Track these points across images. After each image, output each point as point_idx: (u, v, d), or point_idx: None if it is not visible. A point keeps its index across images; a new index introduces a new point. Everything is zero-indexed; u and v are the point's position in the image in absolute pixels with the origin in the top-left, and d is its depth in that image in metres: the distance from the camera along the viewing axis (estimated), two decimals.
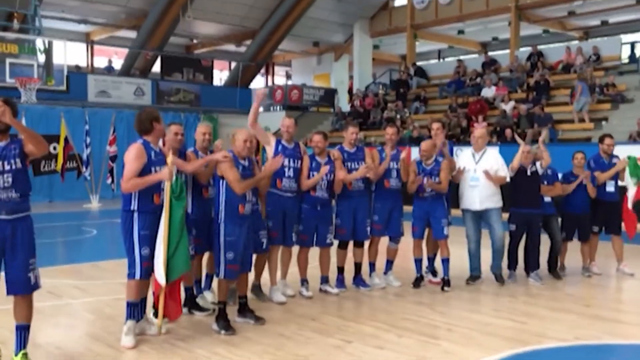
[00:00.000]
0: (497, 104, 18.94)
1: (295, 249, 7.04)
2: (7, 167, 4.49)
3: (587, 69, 18.43)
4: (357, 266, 7.47)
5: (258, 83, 30.01)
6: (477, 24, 24.43)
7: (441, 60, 30.19)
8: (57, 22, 23.30)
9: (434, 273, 7.92)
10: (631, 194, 8.37)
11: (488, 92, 19.79)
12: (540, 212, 7.83)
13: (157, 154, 5.37)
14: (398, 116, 20.84)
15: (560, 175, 8.25)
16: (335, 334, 5.65)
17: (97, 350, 5.18)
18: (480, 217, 7.70)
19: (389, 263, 7.70)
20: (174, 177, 5.26)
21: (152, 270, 5.29)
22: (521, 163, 7.68)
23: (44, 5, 20.01)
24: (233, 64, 28.14)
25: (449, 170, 7.50)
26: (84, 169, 17.57)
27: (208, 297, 6.52)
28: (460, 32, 25.78)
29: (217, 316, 5.73)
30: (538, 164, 7.92)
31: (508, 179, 7.72)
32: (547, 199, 8.02)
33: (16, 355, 4.65)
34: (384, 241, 7.60)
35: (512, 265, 7.93)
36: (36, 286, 4.67)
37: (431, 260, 7.98)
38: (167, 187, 5.22)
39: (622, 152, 8.73)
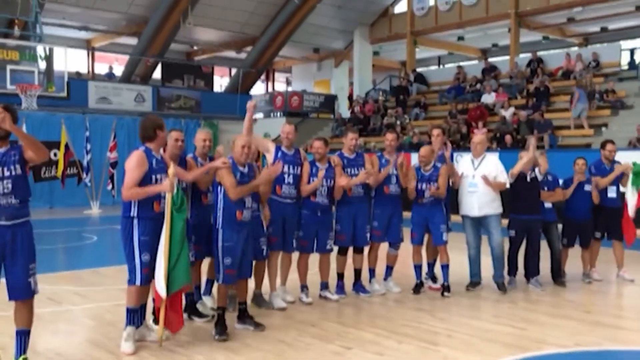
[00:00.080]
0: (497, 110, 18.97)
1: (295, 255, 7.04)
2: (6, 174, 4.51)
3: (587, 75, 18.47)
4: (357, 272, 7.47)
5: (258, 89, 30.06)
6: (476, 30, 24.50)
7: (441, 66, 30.24)
8: (58, 29, 23.37)
9: (434, 279, 7.92)
10: (631, 202, 8.35)
11: (488, 98, 19.82)
12: (540, 219, 7.83)
13: (159, 162, 5.38)
14: (398, 122, 20.87)
15: (561, 182, 8.24)
16: (335, 340, 5.65)
17: (97, 357, 5.18)
18: (480, 223, 7.69)
19: (389, 269, 7.70)
20: (175, 189, 5.27)
21: (152, 277, 5.29)
22: (521, 169, 7.69)
23: (45, 12, 20.08)
24: (233, 71, 28.22)
25: (447, 176, 7.51)
26: (84, 175, 17.60)
27: (208, 303, 6.51)
28: (460, 38, 25.84)
29: (215, 321, 5.74)
30: (537, 170, 7.93)
31: (508, 185, 7.72)
32: (548, 205, 8.01)
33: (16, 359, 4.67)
34: (384, 247, 7.61)
35: (512, 271, 7.92)
36: (35, 291, 4.69)
37: (431, 266, 7.98)
38: (168, 198, 5.23)
39: (622, 158, 8.74)
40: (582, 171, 8.28)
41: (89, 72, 26.44)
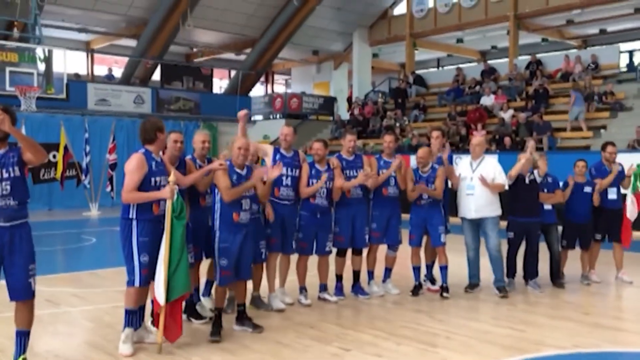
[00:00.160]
0: (496, 112, 18.98)
1: (294, 257, 7.04)
2: (5, 175, 4.52)
3: (586, 77, 18.49)
4: (356, 274, 7.47)
5: (258, 91, 30.07)
6: (476, 32, 24.50)
7: (440, 68, 30.25)
8: (57, 31, 23.38)
9: (432, 281, 7.92)
10: (630, 206, 8.34)
11: (487, 100, 19.83)
12: (538, 221, 7.83)
13: (158, 164, 5.39)
14: (397, 124, 20.87)
15: (561, 184, 8.24)
16: (333, 342, 5.65)
17: (95, 358, 5.18)
18: (478, 226, 7.69)
19: (388, 271, 7.70)
20: (175, 196, 5.27)
21: (151, 278, 5.30)
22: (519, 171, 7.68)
23: (44, 14, 20.06)
24: (233, 73, 28.21)
25: (445, 177, 7.51)
26: (83, 177, 17.59)
27: (206, 305, 6.52)
28: (459, 40, 25.85)
29: (213, 322, 5.75)
30: (536, 172, 7.93)
31: (506, 187, 7.71)
32: (548, 207, 8.00)
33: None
34: (382, 249, 7.61)
35: (511, 273, 7.92)
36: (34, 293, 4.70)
37: (429, 268, 7.97)
38: (168, 205, 5.24)
39: (621, 160, 8.73)
40: (582, 173, 8.29)
41: (88, 73, 26.44)
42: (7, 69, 15.47)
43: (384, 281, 7.70)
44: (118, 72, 25.72)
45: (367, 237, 7.31)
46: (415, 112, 21.81)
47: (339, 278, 7.37)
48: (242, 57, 27.71)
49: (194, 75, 26.51)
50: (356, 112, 23.52)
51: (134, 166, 5.22)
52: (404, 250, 7.74)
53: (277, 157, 6.77)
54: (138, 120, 17.88)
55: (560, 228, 8.29)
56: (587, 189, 8.26)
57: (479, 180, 7.47)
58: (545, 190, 7.99)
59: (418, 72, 25.31)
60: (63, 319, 6.49)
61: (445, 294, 7.39)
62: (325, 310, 6.89)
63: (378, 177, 7.23)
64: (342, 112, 26.31)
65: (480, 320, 6.57)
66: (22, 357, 4.69)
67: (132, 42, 24.64)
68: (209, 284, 6.69)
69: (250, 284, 6.38)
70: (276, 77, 34.20)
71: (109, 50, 26.89)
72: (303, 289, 7.05)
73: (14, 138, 4.56)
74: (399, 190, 7.45)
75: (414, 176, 7.46)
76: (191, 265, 5.78)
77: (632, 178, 8.37)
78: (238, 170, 5.80)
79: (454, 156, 8.68)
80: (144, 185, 5.23)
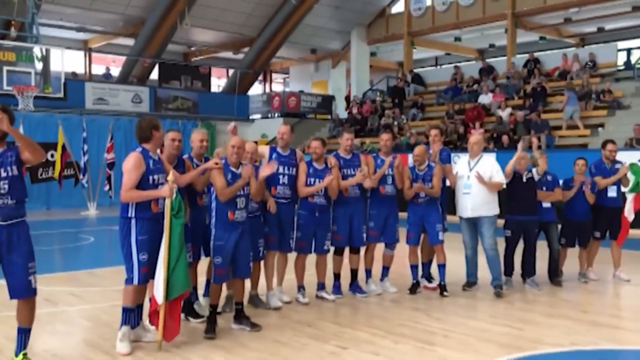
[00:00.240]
0: (494, 111, 19.00)
1: (292, 255, 7.05)
2: (3, 174, 4.54)
3: (584, 76, 18.52)
4: (354, 272, 7.48)
5: (256, 90, 30.06)
6: (473, 31, 24.54)
7: (438, 67, 30.28)
8: (55, 30, 23.36)
9: (429, 279, 7.93)
10: (629, 204, 8.35)
11: (485, 98, 19.86)
12: (536, 219, 7.83)
13: (156, 163, 5.40)
14: (395, 123, 20.89)
15: (561, 182, 8.24)
16: (331, 340, 5.66)
17: (93, 357, 5.18)
18: (475, 225, 7.68)
19: (385, 269, 7.71)
20: (174, 195, 5.28)
21: (150, 276, 5.31)
22: (516, 169, 7.69)
23: (42, 13, 20.06)
24: (231, 72, 28.21)
25: (442, 175, 7.52)
26: (81, 176, 17.58)
27: (205, 304, 6.51)
28: (457, 39, 25.88)
29: (207, 319, 5.78)
30: (534, 170, 7.93)
31: (504, 185, 7.71)
32: (547, 205, 7.99)
33: (17, 355, 4.73)
34: (380, 248, 7.62)
35: (509, 271, 7.92)
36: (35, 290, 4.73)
37: (426, 265, 7.97)
38: (167, 204, 5.24)
39: (619, 158, 8.73)
40: (582, 172, 8.28)
41: (85, 73, 26.42)
42: (5, 68, 15.49)
43: (381, 280, 7.71)
44: (116, 71, 25.71)
45: (364, 235, 7.32)
46: (413, 110, 21.83)
47: (337, 276, 7.38)
48: (240, 56, 27.71)
49: (191, 74, 26.49)
50: (354, 110, 23.54)
51: (131, 165, 5.23)
52: (402, 248, 7.75)
53: (274, 156, 6.78)
54: (136, 119, 17.82)
55: (559, 227, 8.30)
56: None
57: (475, 178, 7.46)
58: (544, 188, 7.99)
59: (416, 70, 25.33)
60: (61, 318, 6.49)
61: (445, 293, 7.39)
62: (323, 308, 6.90)
63: (374, 176, 7.23)
64: (340, 110, 26.32)
65: (478, 319, 6.58)
66: (22, 352, 4.73)
67: (129, 41, 24.62)
68: (209, 283, 6.67)
69: (248, 283, 6.39)
70: (274, 75, 34.18)
71: (107, 50, 26.88)
72: (301, 288, 7.06)
73: (12, 137, 4.57)
74: (396, 189, 7.46)
75: (411, 174, 7.46)
76: (189, 264, 5.79)
77: (631, 178, 8.35)
78: (233, 169, 5.81)
79: (452, 154, 8.65)
80: (142, 183, 5.24)
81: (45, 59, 16.23)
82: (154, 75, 25.62)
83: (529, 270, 7.89)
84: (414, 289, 7.59)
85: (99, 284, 8.15)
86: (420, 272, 7.82)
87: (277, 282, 7.00)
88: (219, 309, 6.10)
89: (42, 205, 18.68)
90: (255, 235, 6.28)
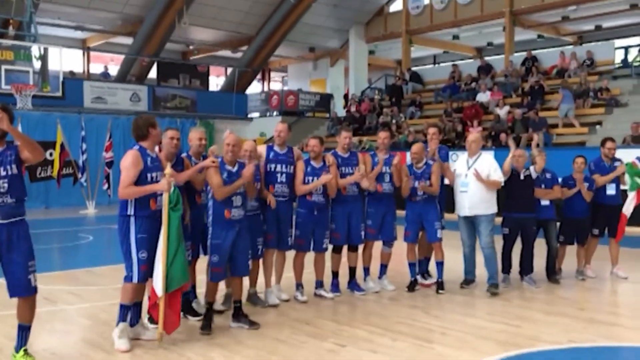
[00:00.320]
0: (492, 109, 19.01)
1: (290, 253, 7.06)
2: (3, 173, 4.57)
3: (581, 74, 18.54)
4: (352, 270, 7.49)
5: (254, 89, 30.05)
6: (471, 29, 24.56)
7: (436, 65, 30.29)
8: (53, 29, 23.33)
9: (424, 276, 7.94)
10: (628, 201, 8.37)
11: (483, 96, 19.87)
12: (534, 216, 7.84)
13: (154, 160, 5.42)
14: (394, 121, 20.90)
15: (560, 180, 8.25)
16: (329, 338, 5.68)
17: (92, 356, 5.19)
18: (473, 223, 7.69)
19: (383, 267, 7.72)
20: (172, 188, 5.29)
21: (149, 275, 5.32)
22: (514, 167, 7.71)
23: (40, 12, 20.04)
24: (229, 70, 28.20)
25: (440, 173, 7.53)
26: (80, 175, 17.59)
27: (203, 302, 6.52)
28: (455, 37, 25.90)
29: (203, 316, 5.80)
30: (532, 168, 7.94)
31: (503, 183, 7.72)
32: (546, 202, 7.99)
33: (17, 352, 4.77)
34: (378, 245, 7.63)
35: (506, 269, 7.94)
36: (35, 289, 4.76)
37: (422, 263, 7.99)
38: (165, 198, 5.26)
39: (617, 156, 8.74)
40: (581, 170, 8.29)
41: (84, 71, 26.39)
42: (3, 67, 15.46)
43: (379, 277, 7.73)
44: (114, 70, 25.68)
45: (362, 233, 7.34)
46: (411, 108, 21.84)
47: (335, 274, 7.40)
48: (239, 54, 27.69)
49: (190, 73, 26.47)
50: (352, 109, 23.53)
51: (129, 162, 5.25)
52: (399, 246, 7.77)
53: (271, 154, 6.79)
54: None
55: (557, 224, 8.31)
56: (586, 185, 8.27)
57: (473, 176, 7.47)
58: (543, 186, 8.00)
59: (414, 68, 25.35)
60: (60, 317, 6.51)
61: (440, 291, 7.42)
62: (321, 306, 6.92)
63: (370, 174, 7.23)
64: (339, 109, 26.31)
65: (475, 316, 6.60)
66: (23, 349, 4.77)
67: (128, 40, 24.61)
68: None
69: (246, 281, 6.40)
70: (272, 74, 34.16)
71: (105, 48, 26.86)
72: (299, 286, 7.07)
73: (11, 136, 4.59)
74: (393, 187, 7.48)
75: (409, 172, 7.48)
76: (188, 263, 5.80)
77: (627, 178, 8.37)
78: (229, 168, 5.82)
79: (450, 153, 8.67)
80: (140, 181, 5.26)
81: (44, 58, 16.21)
82: (153, 73, 25.60)
83: (526, 267, 7.91)
84: (412, 286, 7.61)
85: (98, 283, 8.16)
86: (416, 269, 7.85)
87: (276, 280, 7.02)
88: (219, 308, 6.12)
89: (41, 204, 18.67)
90: (254, 233, 6.29)
